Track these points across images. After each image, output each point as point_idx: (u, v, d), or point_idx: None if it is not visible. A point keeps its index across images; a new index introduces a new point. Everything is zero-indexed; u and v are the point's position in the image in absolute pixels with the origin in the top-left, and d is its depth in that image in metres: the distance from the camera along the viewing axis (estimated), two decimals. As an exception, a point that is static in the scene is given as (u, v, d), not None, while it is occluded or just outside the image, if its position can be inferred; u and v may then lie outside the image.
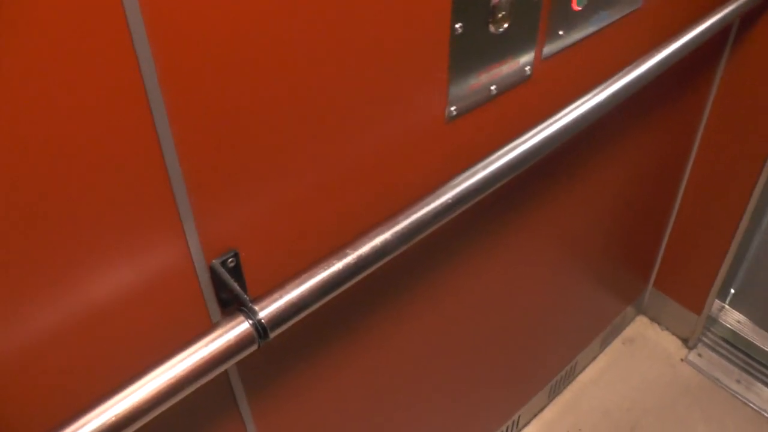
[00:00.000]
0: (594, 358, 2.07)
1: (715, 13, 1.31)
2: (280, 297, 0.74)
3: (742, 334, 2.12)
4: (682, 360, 2.10)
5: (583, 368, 2.05)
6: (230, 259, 0.75)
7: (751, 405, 1.99)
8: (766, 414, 1.97)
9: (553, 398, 1.98)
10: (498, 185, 0.89)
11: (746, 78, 1.62)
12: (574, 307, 1.78)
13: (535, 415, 1.94)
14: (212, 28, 0.60)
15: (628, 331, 2.18)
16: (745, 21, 1.55)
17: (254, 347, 0.73)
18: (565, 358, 1.91)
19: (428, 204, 0.81)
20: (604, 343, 2.09)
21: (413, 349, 1.21)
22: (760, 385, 2.04)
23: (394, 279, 1.04)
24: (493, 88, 0.92)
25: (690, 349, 2.13)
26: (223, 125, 0.66)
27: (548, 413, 1.95)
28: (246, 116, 0.67)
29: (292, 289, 0.75)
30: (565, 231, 1.48)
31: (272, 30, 0.65)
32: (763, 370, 2.07)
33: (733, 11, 1.35)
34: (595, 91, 1.06)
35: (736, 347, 2.13)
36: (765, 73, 1.59)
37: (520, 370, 1.72)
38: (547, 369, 1.86)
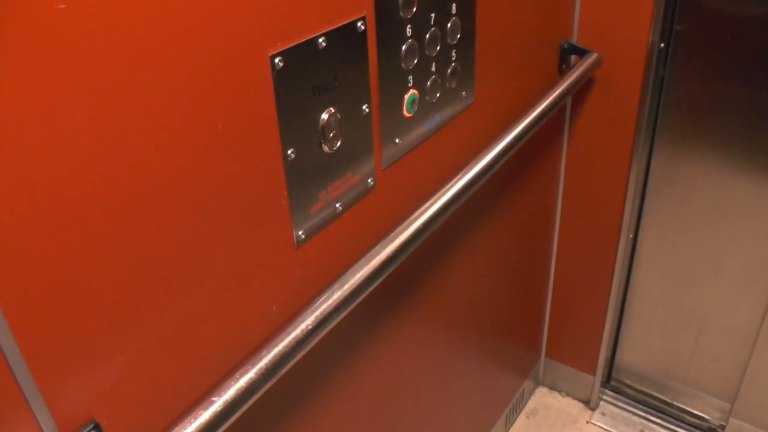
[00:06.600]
0: (503, 438, 2.08)
1: (547, 97, 1.40)
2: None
3: (637, 385, 2.19)
4: (587, 422, 2.14)
5: (494, 450, 2.05)
6: (91, 432, 0.72)
7: (657, 452, 2.04)
8: (671, 458, 2.03)
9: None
10: (356, 302, 0.89)
11: (588, 145, 1.76)
12: (473, 391, 1.79)
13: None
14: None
15: (531, 404, 2.20)
16: (577, 96, 1.67)
17: None
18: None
19: (288, 334, 0.80)
20: (509, 421, 2.10)
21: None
22: (661, 430, 2.09)
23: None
24: (338, 205, 0.94)
25: (593, 409, 2.17)
26: (59, 296, 0.64)
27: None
28: (82, 281, 0.65)
29: (162, 449, 0.72)
30: (451, 317, 1.50)
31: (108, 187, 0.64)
32: (661, 415, 2.14)
33: (565, 90, 1.45)
34: (442, 190, 1.10)
35: (634, 398, 2.19)
36: (601, 141, 1.71)
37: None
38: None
